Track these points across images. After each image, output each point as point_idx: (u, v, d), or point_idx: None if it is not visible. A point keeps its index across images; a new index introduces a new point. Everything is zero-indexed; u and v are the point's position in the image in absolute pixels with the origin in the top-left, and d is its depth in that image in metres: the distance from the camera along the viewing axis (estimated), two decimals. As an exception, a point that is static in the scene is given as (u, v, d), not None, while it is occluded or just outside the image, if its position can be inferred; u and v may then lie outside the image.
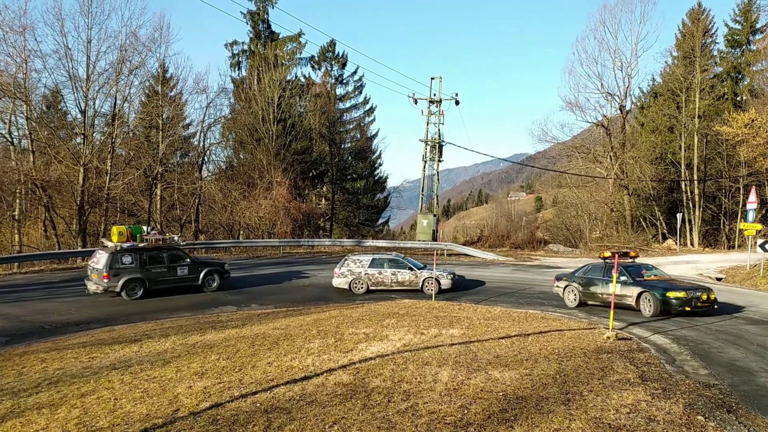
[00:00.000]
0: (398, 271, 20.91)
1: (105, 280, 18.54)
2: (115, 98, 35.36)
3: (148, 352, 11.16)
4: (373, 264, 21.12)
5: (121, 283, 18.70)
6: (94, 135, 35.59)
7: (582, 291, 17.57)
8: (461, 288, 21.66)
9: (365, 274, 20.90)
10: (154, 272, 19.45)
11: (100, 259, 19.06)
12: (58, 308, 17.64)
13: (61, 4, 52.40)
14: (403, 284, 20.85)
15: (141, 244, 19.47)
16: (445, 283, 20.44)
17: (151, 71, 39.91)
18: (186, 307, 18.11)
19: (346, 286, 20.95)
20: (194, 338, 12.38)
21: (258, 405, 7.60)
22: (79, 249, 31.84)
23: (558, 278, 18.73)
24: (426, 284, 20.51)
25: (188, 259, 20.73)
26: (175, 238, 21.02)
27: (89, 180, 33.95)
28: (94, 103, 34.14)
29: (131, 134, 39.92)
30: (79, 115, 34.38)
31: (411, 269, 20.92)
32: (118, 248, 18.92)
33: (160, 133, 38.49)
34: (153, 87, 41.18)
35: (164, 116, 39.17)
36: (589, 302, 17.54)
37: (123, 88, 35.64)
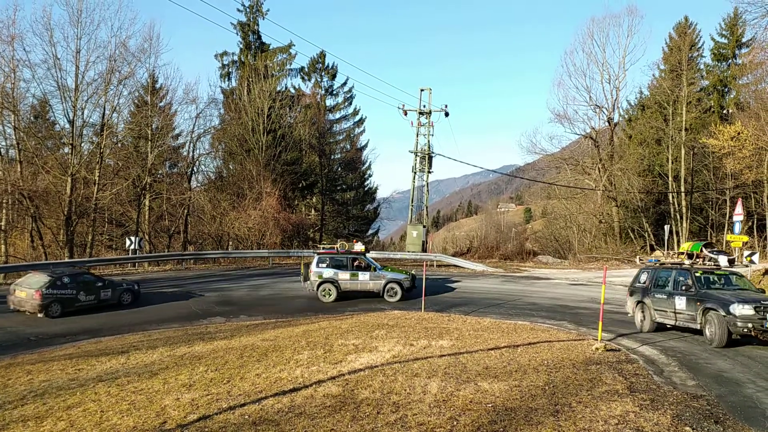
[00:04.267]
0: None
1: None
2: (104, 108, 35.33)
3: (135, 363, 11.07)
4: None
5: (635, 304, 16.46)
6: (82, 145, 35.46)
7: None
8: (452, 299, 21.69)
9: None
10: (657, 298, 15.53)
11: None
12: (44, 319, 17.46)
13: (50, 14, 52.28)
14: None
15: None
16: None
17: (140, 81, 39.91)
18: (174, 318, 18.00)
19: None
20: (182, 350, 12.30)
21: (246, 417, 7.55)
22: (66, 260, 31.57)
23: None
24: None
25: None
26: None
27: (77, 190, 33.72)
28: (82, 113, 34.04)
29: (120, 144, 39.79)
30: (67, 125, 34.25)
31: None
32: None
33: (149, 143, 38.34)
34: (142, 97, 41.08)
35: (153, 126, 39.04)
36: None
37: (112, 98, 35.65)
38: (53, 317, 18.18)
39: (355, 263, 21.56)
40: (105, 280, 21.05)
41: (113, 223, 42.48)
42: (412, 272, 22.93)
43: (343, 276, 21.25)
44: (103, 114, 35.36)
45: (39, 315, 18.10)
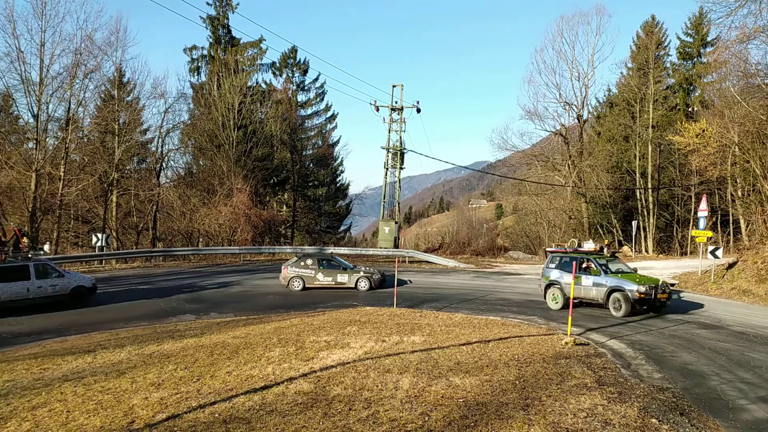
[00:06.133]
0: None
1: None
2: (69, 102, 34.53)
3: (103, 363, 10.87)
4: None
5: None
6: (47, 140, 34.68)
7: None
8: (424, 295, 21.76)
9: None
10: None
11: None
12: (8, 318, 17.05)
13: (13, 5, 50.96)
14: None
15: None
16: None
17: (107, 75, 39.17)
18: (143, 316, 17.73)
19: None
20: (151, 348, 12.11)
21: (217, 415, 7.47)
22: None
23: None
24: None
25: None
26: None
27: (42, 186, 33.00)
28: (47, 108, 33.29)
29: (86, 139, 39.04)
30: (31, 120, 33.43)
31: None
32: None
33: (116, 138, 37.68)
34: (109, 91, 40.35)
35: (120, 121, 38.37)
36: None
37: (77, 92, 34.91)
38: (295, 290, 22.97)
39: (583, 264, 18.21)
40: (345, 265, 24.32)
41: (79, 219, 41.66)
42: (661, 280, 18.05)
43: (567, 279, 18.00)
44: (69, 108, 34.60)
45: (287, 287, 23.19)
